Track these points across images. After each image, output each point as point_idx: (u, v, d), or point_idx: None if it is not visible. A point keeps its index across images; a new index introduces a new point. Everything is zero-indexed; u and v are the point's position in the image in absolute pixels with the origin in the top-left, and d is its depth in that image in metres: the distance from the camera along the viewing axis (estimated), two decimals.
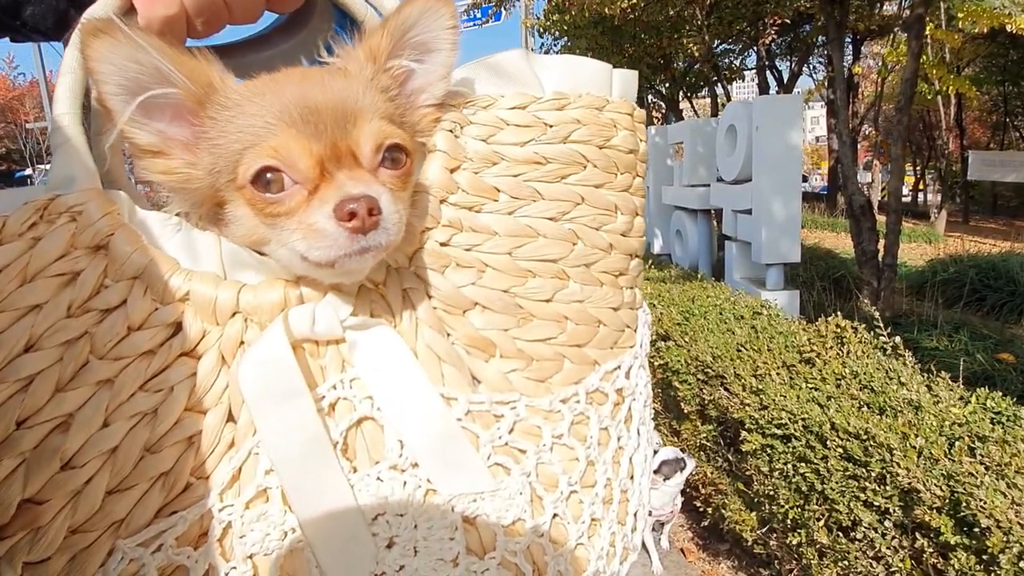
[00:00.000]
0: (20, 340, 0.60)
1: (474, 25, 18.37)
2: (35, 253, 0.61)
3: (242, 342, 0.65)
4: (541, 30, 14.01)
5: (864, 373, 2.63)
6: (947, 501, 1.90)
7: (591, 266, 0.76)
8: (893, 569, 2.05)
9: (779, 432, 2.54)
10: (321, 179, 0.59)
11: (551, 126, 0.74)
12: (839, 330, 3.03)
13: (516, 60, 0.74)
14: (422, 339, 0.68)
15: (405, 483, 0.65)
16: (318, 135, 0.59)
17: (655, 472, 3.07)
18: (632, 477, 0.80)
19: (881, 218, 7.02)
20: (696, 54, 13.60)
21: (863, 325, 3.03)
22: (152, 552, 0.61)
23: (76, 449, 0.60)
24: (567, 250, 0.74)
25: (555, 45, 15.48)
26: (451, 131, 0.71)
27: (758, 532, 2.88)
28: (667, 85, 15.13)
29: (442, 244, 0.70)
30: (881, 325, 2.90)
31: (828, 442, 2.31)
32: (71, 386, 0.61)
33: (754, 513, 2.92)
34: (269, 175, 0.58)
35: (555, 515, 0.71)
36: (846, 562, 2.22)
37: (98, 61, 0.58)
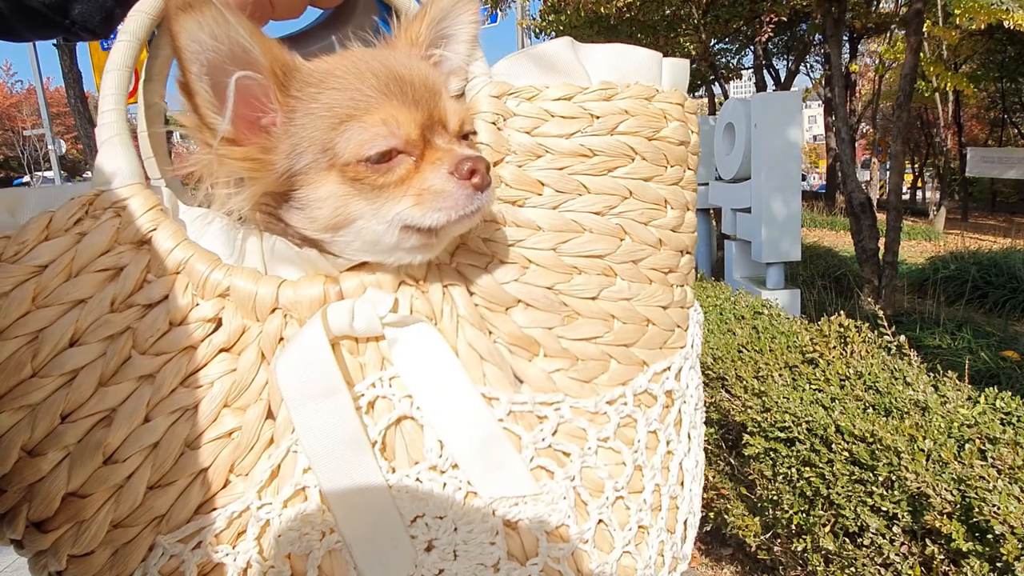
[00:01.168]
0: (65, 334, 0.60)
1: None
2: (80, 248, 0.62)
3: (281, 338, 0.64)
4: (537, 31, 14.03)
5: (869, 373, 2.55)
6: (958, 506, 1.83)
7: (639, 263, 0.73)
8: None
9: (782, 435, 2.47)
10: (425, 147, 0.60)
11: (598, 117, 0.71)
12: (842, 329, 2.92)
13: (562, 50, 0.72)
14: (463, 337, 0.66)
15: (445, 484, 0.63)
16: (417, 104, 0.60)
17: None
18: (682, 483, 0.76)
19: (881, 216, 6.93)
20: (693, 53, 13.45)
21: (866, 324, 2.93)
22: (192, 548, 0.61)
23: (119, 444, 0.60)
24: (614, 246, 0.71)
25: None
26: (494, 123, 0.69)
27: (762, 537, 2.79)
28: None
29: (484, 240, 0.68)
30: (885, 324, 2.83)
31: (833, 445, 2.24)
32: (114, 381, 0.61)
33: (757, 518, 2.82)
34: (381, 145, 0.59)
35: (600, 521, 0.68)
36: (853, 568, 2.13)
37: (186, 39, 0.56)
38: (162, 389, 0.61)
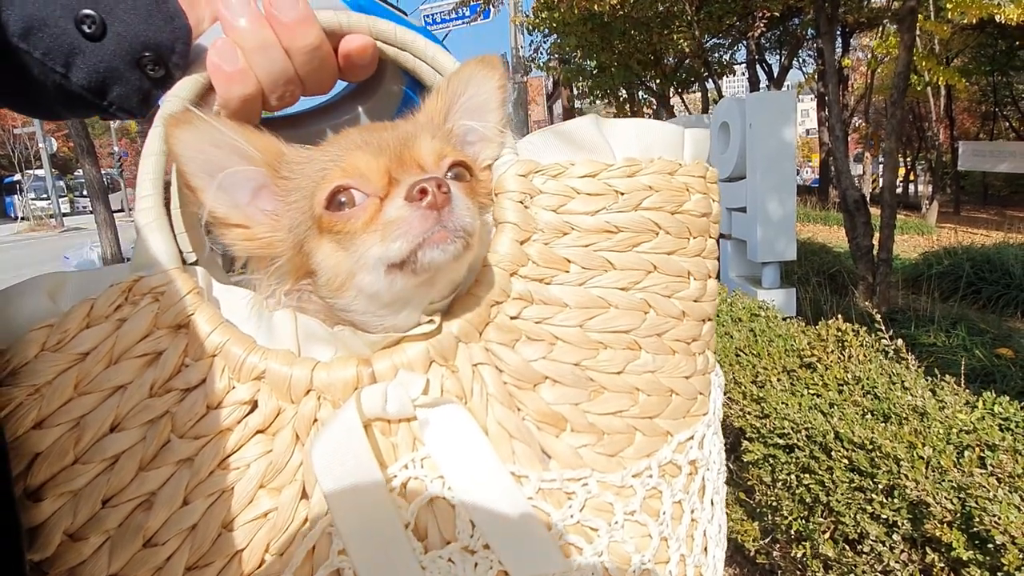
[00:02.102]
0: (106, 420, 0.62)
1: (462, 23, 18.45)
2: (120, 334, 0.63)
3: (315, 420, 0.65)
4: (530, 27, 14.06)
5: (867, 378, 2.55)
6: (958, 515, 1.83)
7: (663, 335, 0.74)
8: None
9: (781, 442, 2.48)
10: (390, 186, 0.61)
11: (622, 194, 0.73)
12: (840, 333, 2.93)
13: (587, 127, 0.73)
14: (492, 415, 0.67)
15: (476, 564, 0.64)
16: (382, 150, 0.62)
17: None
18: (706, 550, 0.77)
19: (874, 210, 6.93)
20: (686, 50, 13.47)
21: (863, 328, 2.94)
22: None
23: (158, 527, 0.62)
24: (639, 320, 0.72)
25: (545, 42, 15.55)
26: (521, 202, 0.71)
27: (761, 542, 2.81)
28: (658, 81, 15.07)
29: (512, 317, 0.69)
30: (883, 327, 2.81)
31: (833, 452, 2.24)
32: (153, 465, 0.62)
33: (756, 523, 2.83)
34: (341, 196, 0.61)
35: None
36: (853, 575, 2.14)
37: (182, 148, 0.62)
38: (200, 472, 0.63)
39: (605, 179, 0.73)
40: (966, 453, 1.95)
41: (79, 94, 0.68)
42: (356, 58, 0.74)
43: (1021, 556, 1.64)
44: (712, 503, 0.79)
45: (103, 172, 8.82)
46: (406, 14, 0.81)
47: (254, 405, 0.65)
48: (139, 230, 0.66)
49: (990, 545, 1.72)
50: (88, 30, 0.65)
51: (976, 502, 1.77)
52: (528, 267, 0.70)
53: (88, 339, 0.63)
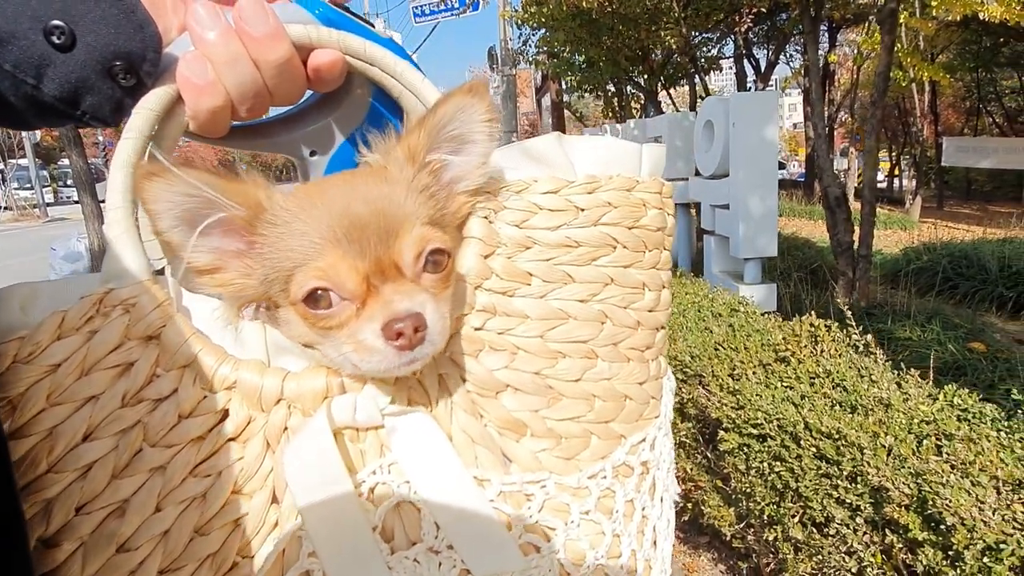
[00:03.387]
0: (79, 430, 0.63)
1: (451, 15, 18.24)
2: (92, 346, 0.65)
3: (286, 428, 0.68)
4: (519, 22, 14.04)
5: (837, 372, 2.68)
6: (915, 499, 1.95)
7: (619, 344, 0.78)
8: (864, 564, 2.10)
9: (755, 432, 2.60)
10: (368, 294, 0.62)
11: (583, 210, 0.76)
12: (813, 328, 3.08)
13: (549, 144, 0.76)
14: (457, 422, 0.71)
15: (440, 564, 0.68)
16: (362, 252, 0.61)
17: None
18: (655, 543, 0.83)
19: (857, 205, 7.07)
20: (674, 46, 13.65)
21: (836, 323, 3.08)
22: None
23: (131, 533, 0.64)
24: (597, 331, 0.76)
25: (533, 36, 15.57)
26: (486, 217, 0.73)
27: (736, 527, 2.95)
28: (645, 77, 15.20)
29: (476, 329, 0.72)
30: (853, 323, 2.94)
31: (802, 442, 2.37)
32: (126, 473, 0.64)
33: (732, 509, 2.98)
34: (319, 293, 0.61)
35: None
36: (820, 557, 2.28)
37: (154, 202, 0.61)
38: (173, 480, 0.65)
39: (566, 195, 0.76)
40: (924, 442, 2.06)
41: (51, 104, 0.68)
42: (325, 72, 0.75)
43: (969, 536, 1.75)
44: (662, 500, 0.84)
45: (88, 162, 8.35)
46: (373, 26, 0.83)
47: (225, 414, 0.67)
48: (109, 241, 0.67)
49: (942, 526, 1.84)
50: (58, 41, 0.65)
51: (930, 487, 1.89)
52: (492, 280, 0.73)
53: (60, 351, 0.64)
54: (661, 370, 0.85)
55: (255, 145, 0.86)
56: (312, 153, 0.87)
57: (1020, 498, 1.75)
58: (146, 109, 0.69)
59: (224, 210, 0.62)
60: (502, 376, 0.73)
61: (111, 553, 0.63)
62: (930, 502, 1.87)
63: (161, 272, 0.78)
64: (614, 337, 0.78)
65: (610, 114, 17.17)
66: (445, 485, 0.68)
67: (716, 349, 3.27)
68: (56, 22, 0.65)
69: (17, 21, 0.63)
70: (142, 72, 0.69)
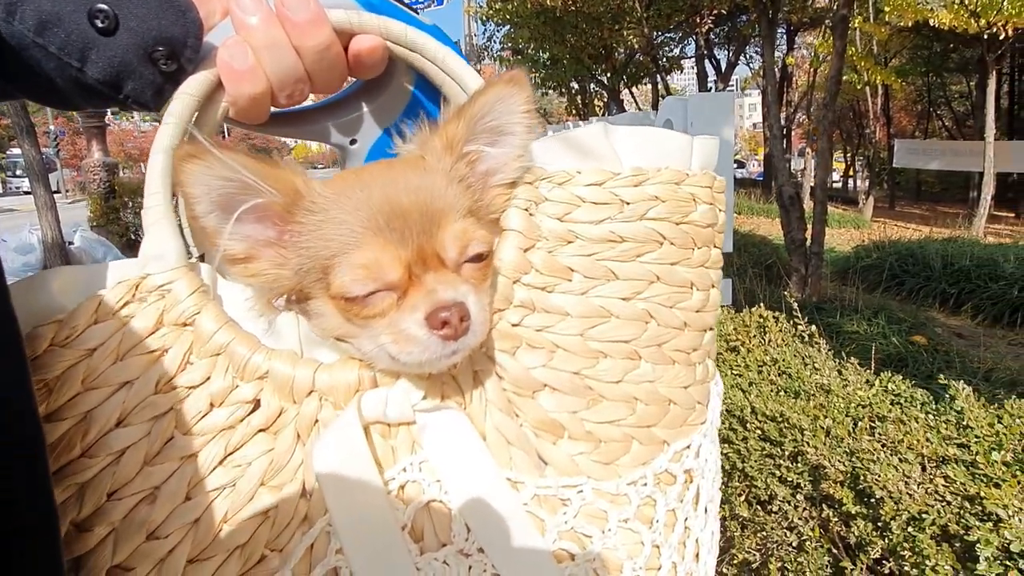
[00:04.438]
0: (112, 416, 0.63)
1: (414, 9, 18.24)
2: (127, 331, 0.64)
3: (317, 420, 0.66)
4: (484, 17, 14.12)
5: (783, 360, 2.84)
6: (849, 476, 2.08)
7: (663, 345, 0.74)
8: (804, 537, 2.21)
9: None
10: (409, 283, 0.60)
11: (628, 203, 0.73)
12: (762, 319, 3.24)
13: (595, 134, 0.73)
14: (491, 422, 0.68)
15: (471, 568, 0.65)
16: (404, 241, 0.60)
17: None
18: (698, 556, 0.79)
19: (811, 204, 7.47)
20: (636, 45, 13.59)
21: (784, 316, 3.24)
22: None
23: (161, 520, 0.63)
24: (640, 330, 0.73)
25: (498, 32, 15.64)
26: (526, 209, 0.71)
27: None
28: (608, 75, 15.13)
29: (514, 325, 0.70)
30: (799, 314, 3.09)
31: (748, 424, 2.49)
32: (158, 460, 0.64)
33: None
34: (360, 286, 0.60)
35: None
36: (764, 533, 2.38)
37: (192, 185, 0.60)
38: (203, 468, 0.64)
39: (611, 188, 0.73)
40: (859, 423, 2.24)
41: (95, 87, 0.69)
42: (366, 58, 0.74)
43: (896, 508, 1.89)
44: (706, 511, 0.80)
45: (40, 151, 8.21)
46: (417, 13, 0.81)
47: (257, 404, 0.66)
48: (147, 228, 0.67)
49: (872, 500, 1.99)
50: (101, 25, 0.65)
51: (863, 464, 2.04)
52: (531, 275, 0.70)
53: (96, 335, 0.64)
54: (709, 374, 0.81)
55: (295, 132, 0.86)
56: (352, 142, 0.85)
57: (942, 473, 1.87)
58: (186, 94, 0.69)
59: (261, 196, 0.61)
60: (540, 375, 0.70)
61: (142, 539, 0.63)
62: (862, 478, 2.01)
63: (202, 258, 0.78)
64: (659, 338, 0.74)
65: (573, 111, 17.29)
66: (477, 486, 0.66)
67: None
68: (100, 6, 0.65)
69: (62, 4, 0.63)
70: (183, 58, 0.68)
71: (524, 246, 0.70)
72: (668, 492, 0.75)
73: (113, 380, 0.63)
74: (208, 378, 0.65)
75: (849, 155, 27.74)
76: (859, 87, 15.23)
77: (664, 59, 16.34)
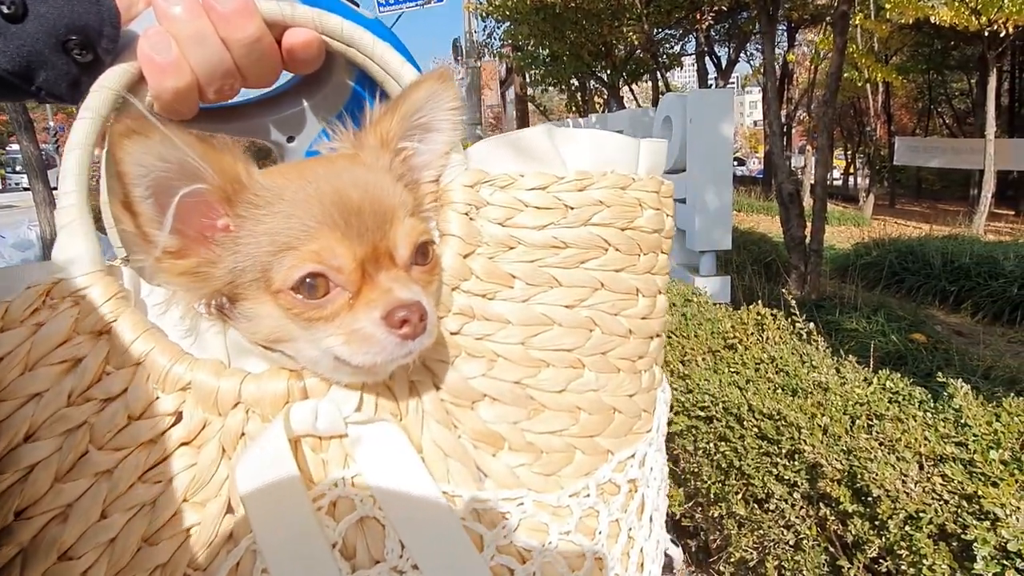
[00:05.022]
0: (21, 429, 0.59)
1: (416, 5, 18.10)
2: (37, 340, 0.60)
3: (243, 433, 0.63)
4: (484, 14, 14.10)
5: (780, 358, 2.80)
6: (846, 474, 2.06)
7: (608, 353, 0.73)
8: (801, 536, 2.20)
9: (702, 414, 2.71)
10: (363, 282, 0.58)
11: (572, 208, 0.71)
12: (760, 317, 3.20)
13: (539, 137, 0.71)
14: (428, 434, 0.66)
15: None
16: (361, 237, 0.57)
17: None
18: (642, 566, 0.77)
19: (812, 202, 7.37)
20: (636, 42, 13.66)
21: (782, 313, 3.21)
22: None
23: (74, 540, 0.60)
24: (583, 339, 0.71)
25: (498, 29, 15.62)
26: (467, 214, 0.68)
27: (685, 506, 3.04)
28: (608, 72, 15.17)
29: (453, 333, 0.67)
30: (797, 312, 3.06)
31: (745, 422, 2.47)
32: (70, 477, 0.60)
33: (681, 489, 3.06)
34: (311, 280, 0.56)
35: None
36: (761, 531, 2.37)
37: (130, 163, 0.55)
38: (119, 485, 0.61)
39: (555, 192, 0.71)
40: (857, 421, 2.20)
41: (5, 78, 0.64)
42: (300, 53, 0.71)
43: (893, 506, 1.87)
44: (651, 520, 0.79)
45: (40, 147, 8.07)
46: (358, 5, 0.78)
47: (179, 417, 0.63)
48: (59, 230, 0.63)
49: (869, 498, 1.96)
50: (7, 11, 0.61)
51: (860, 462, 2.01)
52: (471, 282, 0.68)
53: (2, 343, 0.60)
54: (655, 381, 0.80)
55: (227, 129, 0.82)
56: (290, 139, 0.82)
57: (940, 471, 1.84)
58: (104, 87, 0.65)
59: (203, 182, 0.56)
60: (479, 385, 0.68)
61: (52, 561, 0.59)
62: (859, 476, 1.98)
63: (127, 262, 0.74)
64: (603, 346, 0.72)
65: (573, 108, 17.26)
66: (412, 501, 0.64)
67: (668, 337, 3.35)
68: None
69: None
70: (99, 48, 0.64)
71: (464, 252, 0.68)
72: (611, 502, 0.73)
73: (21, 392, 0.59)
74: (126, 390, 0.62)
75: (849, 153, 27.56)
76: (860, 84, 15.18)
77: (664, 56, 16.27)
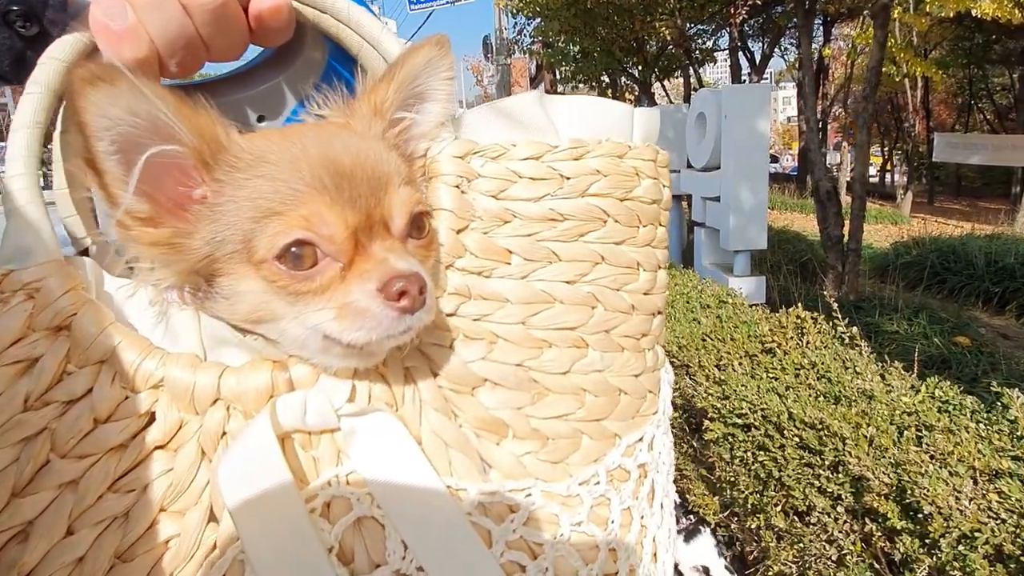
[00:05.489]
0: None
1: (447, 3, 18.16)
2: None
3: (224, 433, 0.57)
4: (514, 11, 14.04)
5: (822, 363, 2.69)
6: (894, 488, 1.98)
7: (611, 331, 0.69)
8: (844, 551, 2.11)
9: (740, 422, 2.62)
10: (355, 253, 0.53)
11: (568, 178, 0.67)
12: (799, 320, 3.09)
13: (529, 104, 0.67)
14: (427, 424, 0.61)
15: None
16: (353, 204, 0.52)
17: None
18: (655, 556, 0.73)
19: (849, 199, 7.15)
20: (668, 37, 13.65)
21: (822, 316, 3.10)
22: None
23: (36, 562, 0.53)
24: (586, 316, 0.67)
25: (528, 25, 15.56)
26: (458, 186, 0.64)
27: (720, 516, 2.96)
28: (640, 68, 15.13)
29: (448, 315, 0.63)
30: (839, 315, 2.95)
31: (785, 432, 2.39)
32: (29, 491, 0.54)
33: (716, 498, 2.98)
34: (298, 249, 0.51)
35: None
36: (801, 545, 2.29)
37: (94, 114, 0.48)
38: (87, 497, 0.54)
39: (549, 162, 0.67)
40: (905, 432, 2.08)
41: None
42: (269, 20, 0.65)
43: (945, 524, 1.77)
44: (662, 506, 0.75)
45: None
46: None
47: (151, 417, 0.57)
48: (8, 217, 0.56)
49: (920, 515, 1.87)
50: None
51: (910, 476, 1.90)
52: (465, 259, 0.64)
53: None
54: (659, 360, 0.76)
55: None
56: (260, 118, 0.76)
57: (996, 488, 1.75)
58: (52, 59, 0.59)
59: (176, 142, 0.51)
60: (479, 369, 0.63)
61: None
62: (909, 491, 1.90)
63: (85, 252, 0.68)
64: (606, 323, 0.68)
65: None
66: (414, 497, 0.59)
67: (703, 340, 3.26)
68: None
69: None
70: (45, 19, 0.59)
71: (457, 227, 0.63)
72: (622, 489, 0.69)
73: None
74: (90, 390, 0.55)
75: (887, 149, 26.93)
76: (898, 79, 14.88)
77: (697, 51, 16.03)
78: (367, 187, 0.54)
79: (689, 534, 2.93)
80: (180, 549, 0.56)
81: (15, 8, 0.57)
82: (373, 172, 0.55)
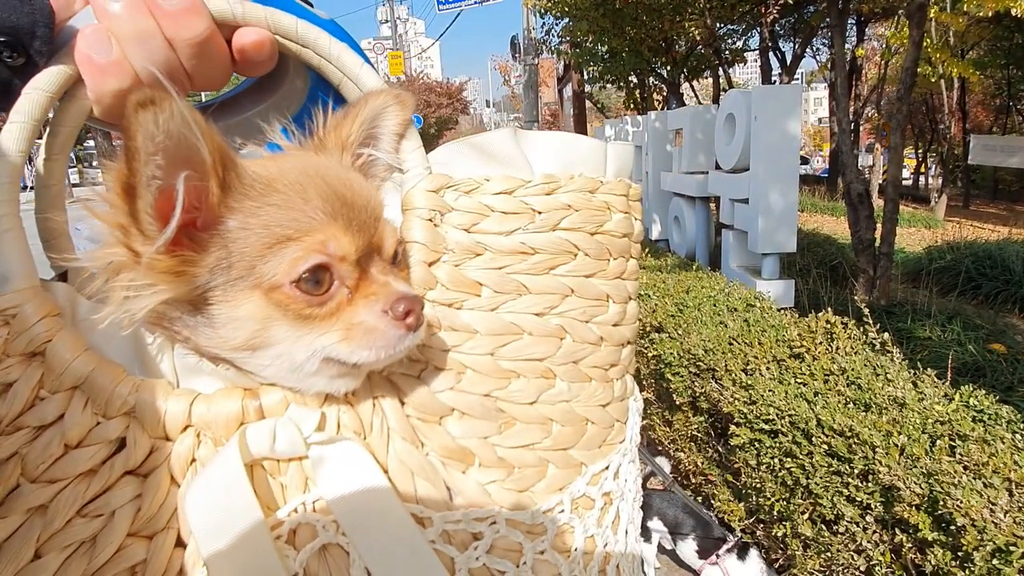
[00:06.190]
0: None
1: (475, 3, 18.21)
2: None
3: (194, 459, 0.59)
4: (542, 11, 13.98)
5: (852, 369, 2.63)
6: (926, 499, 1.93)
7: (579, 362, 0.70)
8: (873, 562, 2.07)
9: (767, 427, 2.57)
10: (359, 277, 0.57)
11: (539, 213, 0.68)
12: (829, 325, 3.02)
13: (503, 140, 0.69)
14: (394, 452, 0.62)
15: None
16: (360, 231, 0.56)
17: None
18: None
19: (880, 202, 6.90)
20: (698, 37, 13.53)
21: (852, 321, 3.01)
22: None
23: None
24: (554, 347, 0.68)
25: (556, 25, 15.48)
26: (431, 220, 0.65)
27: (745, 522, 2.93)
28: (668, 68, 15.02)
29: (419, 346, 0.64)
30: (870, 321, 2.88)
31: (814, 438, 2.33)
32: None
33: (742, 504, 2.95)
34: (317, 273, 0.54)
35: None
36: (829, 554, 2.25)
37: (144, 138, 0.47)
38: (55, 522, 0.55)
39: (521, 197, 0.68)
40: (938, 442, 2.04)
41: None
42: (252, 53, 0.67)
43: (979, 537, 1.73)
44: (626, 533, 0.76)
45: (114, 142, 7.83)
46: (311, 5, 0.74)
47: (122, 443, 0.58)
48: None
49: (952, 527, 1.82)
50: None
51: (942, 487, 1.86)
52: (436, 291, 0.65)
53: None
54: (627, 390, 0.78)
55: None
56: (241, 146, 0.78)
57: None
58: (37, 90, 0.60)
59: (198, 167, 0.50)
60: (447, 399, 0.64)
61: None
62: (941, 502, 1.85)
63: (64, 277, 0.69)
64: (574, 354, 0.70)
65: (631, 106, 16.75)
66: (378, 524, 0.60)
67: (730, 344, 3.20)
68: None
69: None
70: (32, 49, 0.60)
71: (428, 259, 0.65)
72: (586, 517, 0.71)
73: None
74: (62, 416, 0.57)
75: (921, 151, 25.97)
76: (933, 80, 14.48)
77: (727, 51, 15.77)
78: (366, 214, 0.58)
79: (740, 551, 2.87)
80: (147, 574, 0.57)
81: (2, 39, 0.58)
82: (367, 201, 0.58)
